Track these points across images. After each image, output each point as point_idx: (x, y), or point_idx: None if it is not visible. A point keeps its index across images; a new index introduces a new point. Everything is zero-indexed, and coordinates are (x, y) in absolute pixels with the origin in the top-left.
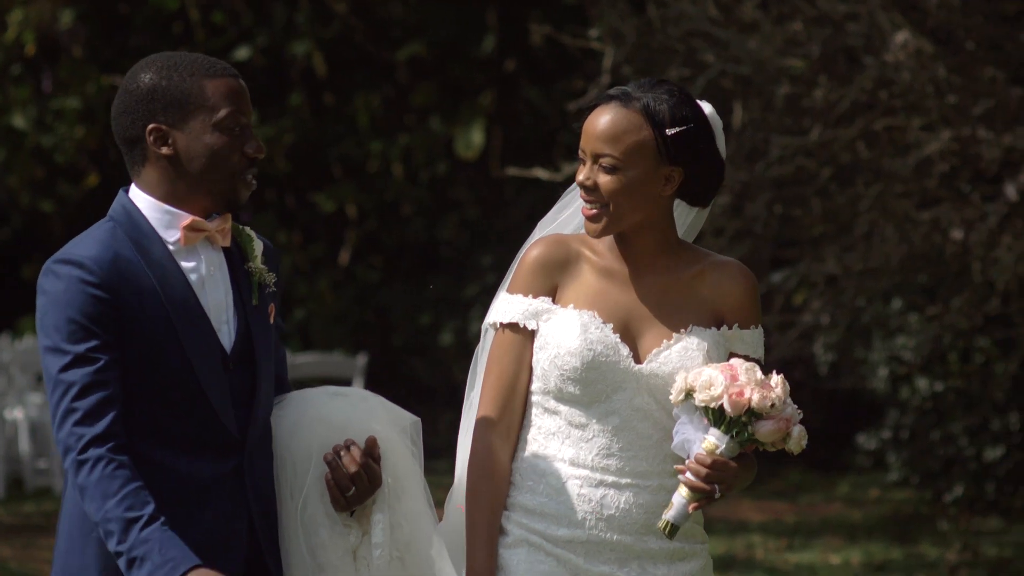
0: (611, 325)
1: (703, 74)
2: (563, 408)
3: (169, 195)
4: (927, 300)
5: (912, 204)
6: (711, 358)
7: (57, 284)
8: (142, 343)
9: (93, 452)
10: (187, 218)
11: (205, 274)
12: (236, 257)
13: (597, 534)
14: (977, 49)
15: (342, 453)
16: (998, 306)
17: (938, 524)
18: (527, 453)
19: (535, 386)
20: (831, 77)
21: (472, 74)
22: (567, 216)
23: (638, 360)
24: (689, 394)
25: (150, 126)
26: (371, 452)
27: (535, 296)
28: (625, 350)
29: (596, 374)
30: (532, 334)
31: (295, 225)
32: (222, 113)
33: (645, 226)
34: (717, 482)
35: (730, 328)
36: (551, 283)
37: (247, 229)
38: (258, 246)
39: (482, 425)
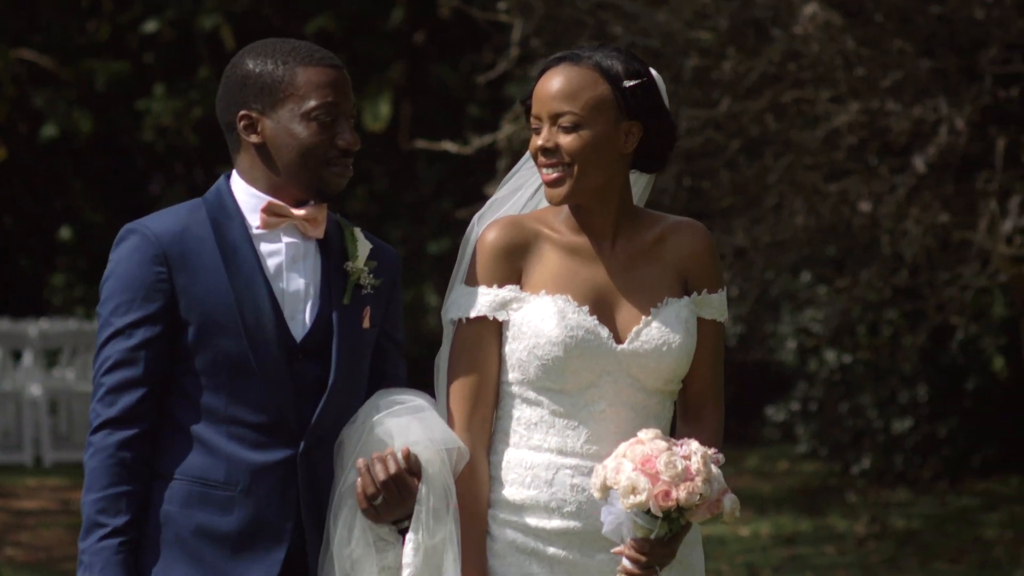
0: (586, 307)
1: (612, 45)
2: (544, 398)
3: (260, 181)
4: (836, 273)
5: (821, 176)
6: (690, 329)
7: (120, 251)
8: (200, 320)
9: (100, 438)
10: (267, 200)
11: (286, 261)
12: (335, 252)
13: (592, 522)
14: (886, 21)
15: (375, 461)
16: (906, 278)
17: (846, 496)
18: (508, 446)
19: (511, 376)
20: (740, 49)
21: (381, 47)
22: (517, 197)
23: (618, 340)
24: (607, 489)
25: (240, 113)
26: (406, 463)
27: (499, 285)
28: (605, 332)
29: (579, 361)
30: (501, 325)
31: None
32: (312, 103)
33: (606, 191)
34: (657, 564)
35: (699, 293)
36: (514, 268)
37: (358, 230)
38: (363, 247)
39: (456, 425)
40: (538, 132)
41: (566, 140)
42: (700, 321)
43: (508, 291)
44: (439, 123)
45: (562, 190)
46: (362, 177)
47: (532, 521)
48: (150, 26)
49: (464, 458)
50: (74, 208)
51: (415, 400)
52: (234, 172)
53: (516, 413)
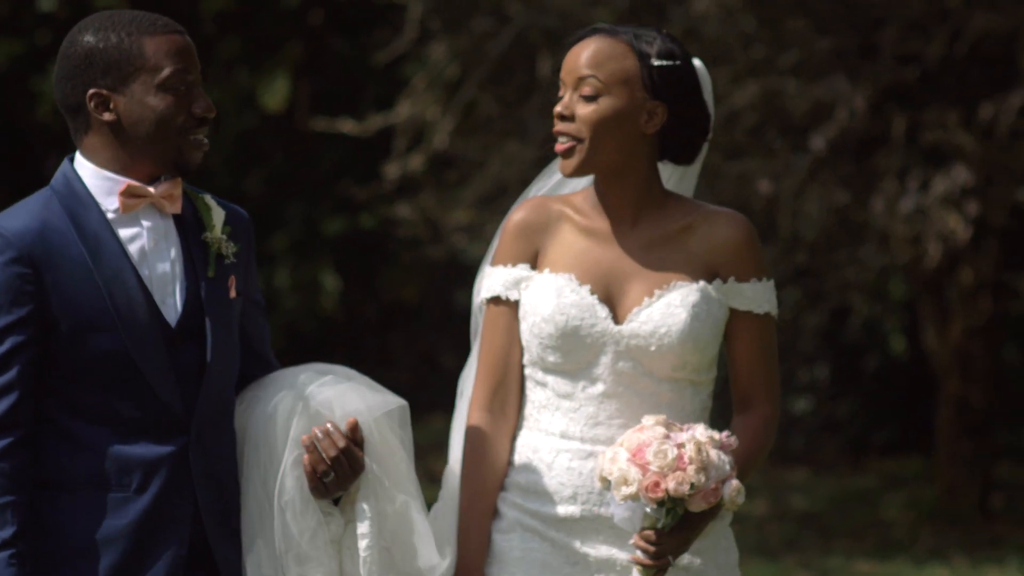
0: (588, 286)
1: (509, 26)
2: (549, 378)
3: (112, 161)
4: None
5: (720, 156)
6: (698, 315)
7: None
8: (71, 318)
9: None
10: (124, 183)
11: (148, 244)
12: (191, 225)
13: (591, 508)
14: (784, 0)
15: (321, 436)
16: (806, 258)
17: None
18: (523, 429)
19: (525, 358)
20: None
21: (278, 26)
22: (554, 183)
23: (618, 320)
24: (607, 480)
25: (90, 91)
26: (352, 435)
27: (513, 264)
28: (604, 311)
29: (573, 340)
30: (516, 304)
31: None
32: (165, 72)
33: (624, 172)
34: (669, 554)
35: (725, 281)
36: (531, 248)
37: (207, 197)
38: (218, 214)
39: (474, 405)
40: (562, 99)
41: (584, 110)
42: (734, 312)
43: (520, 270)
44: (337, 102)
45: (571, 161)
46: (259, 157)
47: (535, 505)
48: (46, 4)
49: (407, 413)
50: None
51: (340, 369)
52: (78, 155)
53: (530, 395)
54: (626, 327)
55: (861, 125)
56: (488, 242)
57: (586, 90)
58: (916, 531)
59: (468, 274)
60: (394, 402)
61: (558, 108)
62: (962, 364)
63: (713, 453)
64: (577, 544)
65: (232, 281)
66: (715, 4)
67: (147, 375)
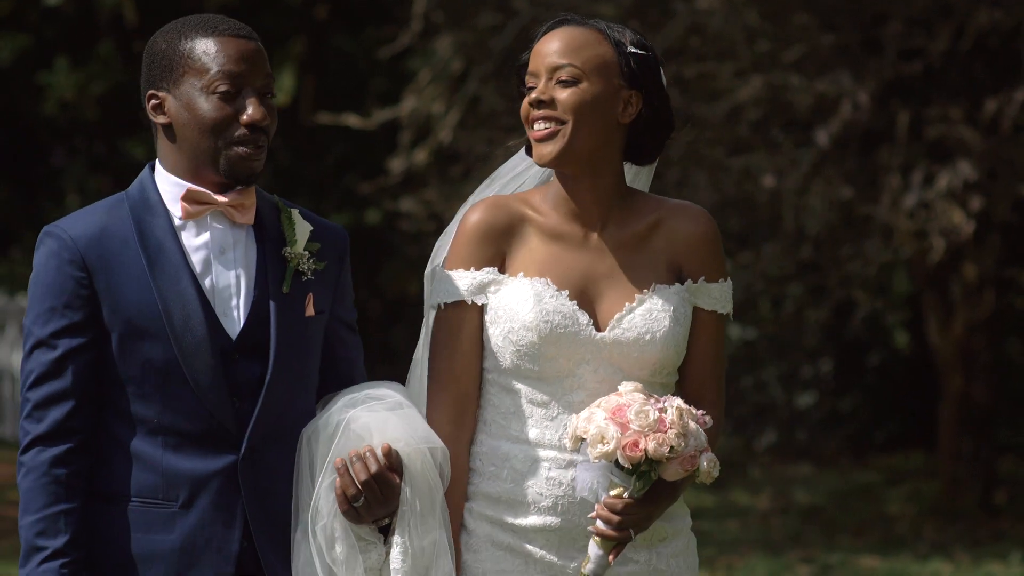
0: (567, 292)
1: (514, 20)
2: (522, 386)
3: (177, 167)
4: (739, 247)
5: (724, 151)
6: (679, 319)
7: (38, 256)
8: (124, 325)
9: (31, 456)
10: (186, 188)
11: (214, 253)
12: (273, 238)
13: (571, 519)
14: None
15: (354, 459)
16: (809, 253)
17: (750, 471)
18: (487, 436)
19: (488, 363)
20: (643, 23)
21: (283, 21)
22: (511, 178)
23: (599, 328)
24: (579, 440)
25: (148, 93)
26: (387, 461)
27: (477, 268)
28: (584, 318)
29: (555, 348)
30: (481, 309)
31: (106, 172)
32: (211, 74)
33: (599, 165)
34: (631, 527)
35: (695, 281)
36: (496, 251)
37: (296, 211)
38: (303, 230)
39: (441, 418)
40: (531, 92)
41: (563, 94)
42: (697, 311)
43: (486, 273)
44: (342, 97)
45: (553, 147)
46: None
47: (508, 517)
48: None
49: (448, 459)
50: None
51: (394, 396)
52: (156, 161)
53: (495, 401)
54: (609, 335)
55: (865, 120)
56: None
57: (563, 75)
58: (919, 526)
59: None
60: (437, 442)
61: (533, 95)
62: (965, 359)
63: (692, 423)
64: (554, 556)
65: (310, 299)
66: None
67: (197, 387)
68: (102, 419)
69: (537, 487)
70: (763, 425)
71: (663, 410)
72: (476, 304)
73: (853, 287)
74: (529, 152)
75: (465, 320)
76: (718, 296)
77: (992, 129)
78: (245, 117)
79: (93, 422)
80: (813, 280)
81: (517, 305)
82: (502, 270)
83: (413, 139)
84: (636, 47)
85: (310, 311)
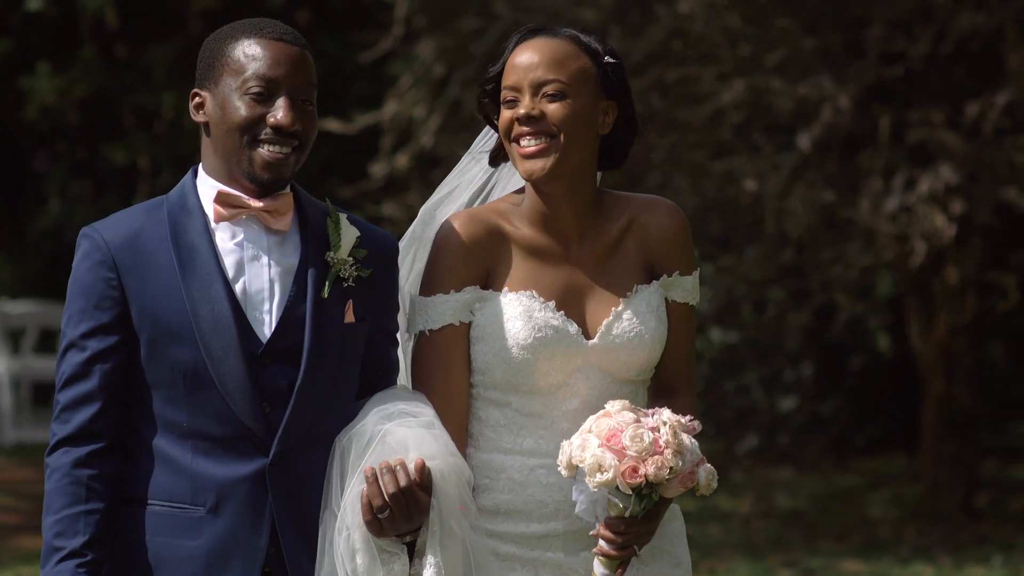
0: (552, 303)
1: (495, 24)
2: (514, 398)
3: (214, 168)
4: (721, 251)
5: (705, 155)
6: (661, 317)
7: (76, 257)
8: (152, 327)
9: (56, 458)
10: (217, 190)
11: (248, 256)
12: (318, 243)
13: (574, 521)
14: None
15: (384, 470)
16: (791, 257)
17: (732, 475)
18: (476, 450)
19: (474, 379)
20: (624, 27)
21: None
22: (464, 184)
23: (588, 336)
24: (575, 468)
25: (193, 91)
26: (419, 477)
27: (458, 290)
28: (573, 328)
29: (549, 363)
30: (468, 326)
31: (87, 176)
32: (247, 74)
33: (582, 180)
34: (634, 543)
35: (669, 276)
36: (480, 267)
37: (345, 216)
38: (348, 236)
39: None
40: (513, 105)
41: (552, 108)
42: (670, 303)
43: (470, 292)
44: (323, 101)
45: (545, 162)
46: None
47: (510, 527)
48: (33, 3)
49: (472, 482)
50: None
51: (427, 413)
52: (200, 165)
53: (482, 415)
54: (598, 341)
55: (846, 123)
56: None
57: (550, 90)
58: (900, 529)
59: None
60: (466, 468)
61: (522, 111)
62: (947, 362)
63: (685, 437)
64: (561, 556)
65: (350, 305)
66: (701, 2)
67: (225, 391)
68: (132, 422)
69: (538, 495)
70: (745, 429)
71: (656, 429)
72: (464, 324)
73: (835, 291)
74: (493, 163)
75: (455, 341)
76: (691, 288)
77: (973, 133)
78: (272, 119)
79: (121, 425)
80: (795, 284)
81: (507, 322)
82: (484, 286)
83: (395, 143)
84: (609, 56)
85: (349, 317)
